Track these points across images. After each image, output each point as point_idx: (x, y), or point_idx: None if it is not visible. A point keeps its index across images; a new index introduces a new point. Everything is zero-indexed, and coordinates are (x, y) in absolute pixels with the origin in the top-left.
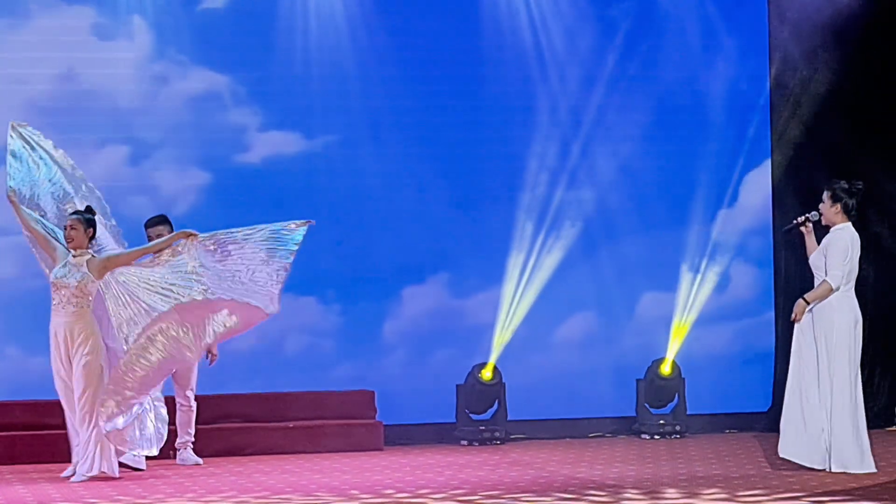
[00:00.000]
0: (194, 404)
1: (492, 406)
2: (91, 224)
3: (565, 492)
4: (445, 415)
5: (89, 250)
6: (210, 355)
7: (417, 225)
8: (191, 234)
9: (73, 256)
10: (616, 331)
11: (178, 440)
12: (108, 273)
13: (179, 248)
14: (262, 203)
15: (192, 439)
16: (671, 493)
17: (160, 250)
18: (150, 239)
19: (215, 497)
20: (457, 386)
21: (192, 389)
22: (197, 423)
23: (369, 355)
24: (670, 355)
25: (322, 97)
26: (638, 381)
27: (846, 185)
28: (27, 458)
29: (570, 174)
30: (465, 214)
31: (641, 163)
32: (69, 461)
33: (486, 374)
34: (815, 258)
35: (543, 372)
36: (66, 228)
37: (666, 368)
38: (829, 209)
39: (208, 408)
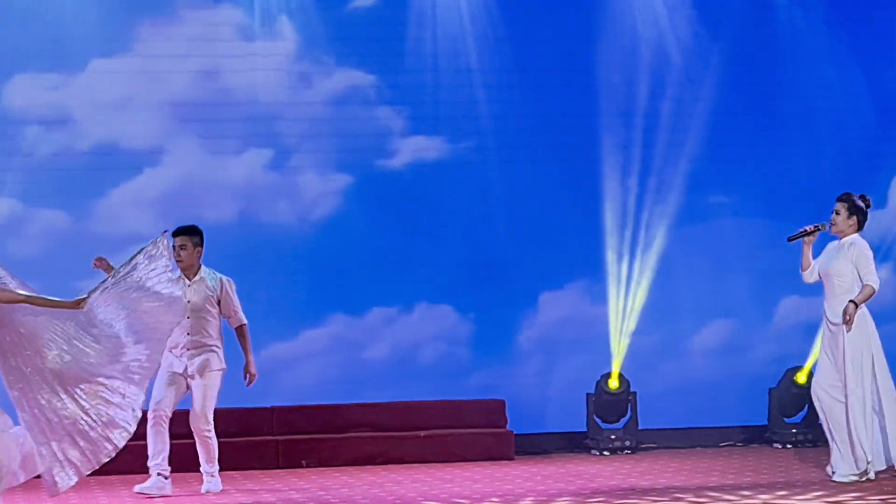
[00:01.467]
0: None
1: (623, 415)
2: None
3: (699, 498)
4: (576, 424)
5: None
6: (249, 375)
7: (555, 231)
8: (81, 302)
9: None
10: (751, 338)
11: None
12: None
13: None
14: (403, 208)
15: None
16: (802, 499)
17: (47, 306)
18: (174, 249)
19: None
20: (587, 395)
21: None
22: (332, 431)
23: (502, 363)
24: (809, 363)
25: (462, 102)
26: (770, 390)
27: (862, 199)
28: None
29: (702, 178)
30: (597, 220)
31: (781, 165)
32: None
33: (613, 383)
34: (840, 265)
35: (675, 380)
36: None
37: (801, 377)
38: (844, 220)
39: (342, 417)
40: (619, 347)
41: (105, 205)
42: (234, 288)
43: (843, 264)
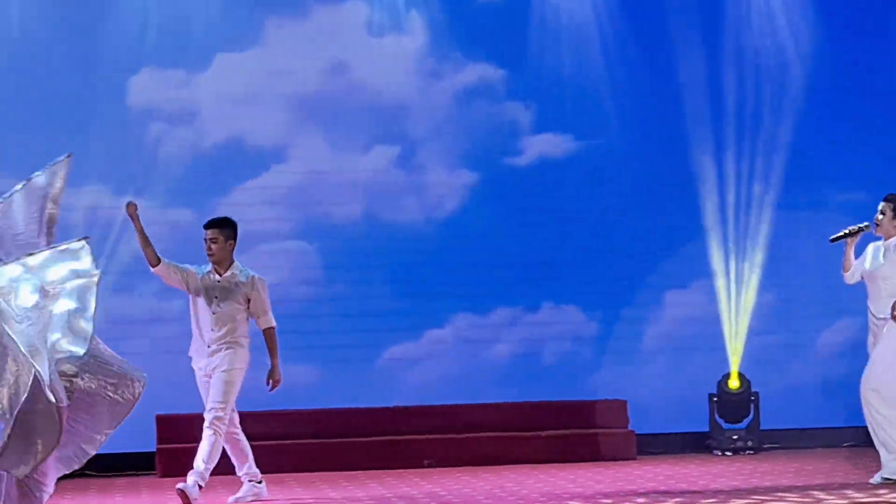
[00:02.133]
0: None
1: (746, 415)
2: None
3: (827, 494)
4: (699, 424)
5: None
6: (272, 381)
7: (682, 230)
8: None
9: None
10: None
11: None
12: None
13: None
14: (529, 206)
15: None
16: None
17: None
18: (205, 242)
19: None
20: (709, 395)
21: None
22: (454, 431)
23: (626, 363)
24: None
25: (589, 99)
26: None
27: None
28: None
29: (838, 174)
30: (724, 220)
31: None
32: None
33: (733, 383)
34: (888, 268)
35: (800, 380)
36: None
37: None
38: (889, 221)
39: (463, 417)
40: (735, 347)
41: (230, 202)
42: (265, 287)
43: (891, 267)
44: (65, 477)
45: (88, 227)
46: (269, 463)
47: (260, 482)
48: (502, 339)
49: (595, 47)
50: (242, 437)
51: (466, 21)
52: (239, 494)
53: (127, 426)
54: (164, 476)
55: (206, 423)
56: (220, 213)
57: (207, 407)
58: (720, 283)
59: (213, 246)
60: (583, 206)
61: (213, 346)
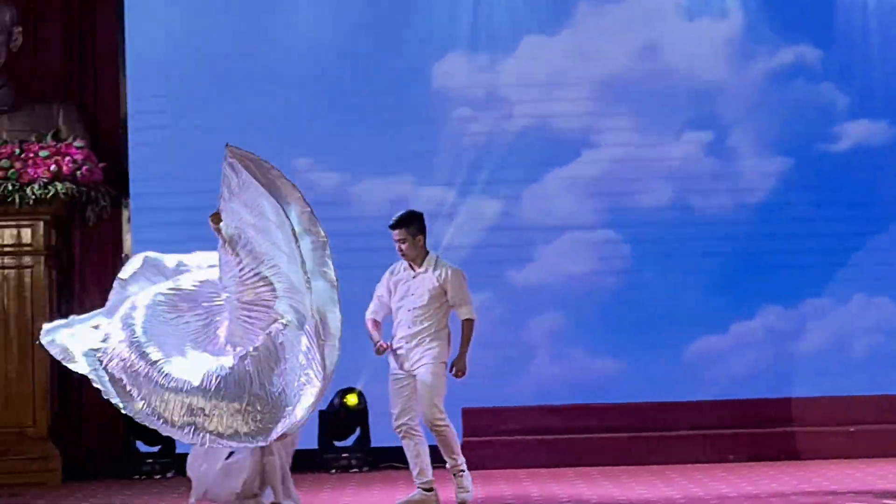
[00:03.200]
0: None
1: None
2: None
3: None
4: None
5: None
6: (457, 370)
7: None
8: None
9: None
10: None
11: None
12: None
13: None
14: (844, 194)
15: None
16: None
17: None
18: (396, 244)
19: (778, 500)
20: None
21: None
22: (759, 425)
23: None
24: None
25: None
26: None
27: None
28: (584, 460)
29: None
30: None
31: None
32: (629, 463)
33: None
34: None
35: None
36: None
37: None
38: None
39: (769, 411)
40: None
41: (536, 190)
42: (463, 279)
43: None
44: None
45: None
46: (583, 457)
47: (428, 491)
48: (810, 332)
49: None
50: (417, 442)
51: (782, 1)
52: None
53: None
54: (469, 469)
55: (428, 425)
56: (526, 200)
57: (420, 408)
58: None
59: (402, 247)
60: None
61: (410, 344)
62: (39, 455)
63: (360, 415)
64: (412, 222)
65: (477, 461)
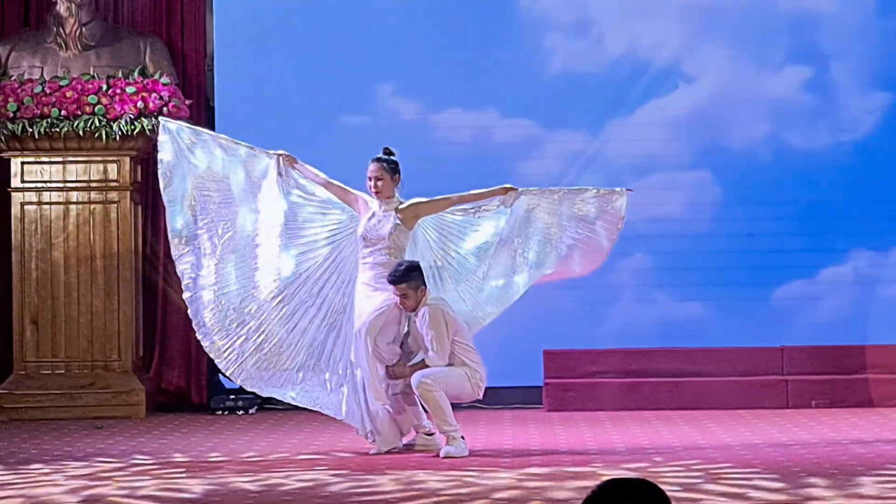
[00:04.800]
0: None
1: None
2: (396, 169)
3: None
4: None
5: (397, 196)
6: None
7: None
8: (510, 190)
9: (382, 207)
10: None
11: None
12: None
13: (490, 207)
14: None
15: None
16: None
17: (477, 200)
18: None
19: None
20: None
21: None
22: (845, 372)
23: None
24: None
25: None
26: None
27: None
28: (665, 403)
29: None
30: None
31: None
32: (710, 407)
33: None
34: None
35: None
36: (370, 179)
37: None
38: None
39: (855, 358)
40: None
41: (626, 124)
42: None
43: None
44: (455, 407)
45: (477, 150)
46: (664, 401)
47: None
48: None
49: None
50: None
51: None
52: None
53: (515, 360)
54: (550, 410)
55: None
56: (615, 134)
57: None
58: None
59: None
60: None
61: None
62: (123, 389)
63: None
64: (392, 161)
65: (558, 403)
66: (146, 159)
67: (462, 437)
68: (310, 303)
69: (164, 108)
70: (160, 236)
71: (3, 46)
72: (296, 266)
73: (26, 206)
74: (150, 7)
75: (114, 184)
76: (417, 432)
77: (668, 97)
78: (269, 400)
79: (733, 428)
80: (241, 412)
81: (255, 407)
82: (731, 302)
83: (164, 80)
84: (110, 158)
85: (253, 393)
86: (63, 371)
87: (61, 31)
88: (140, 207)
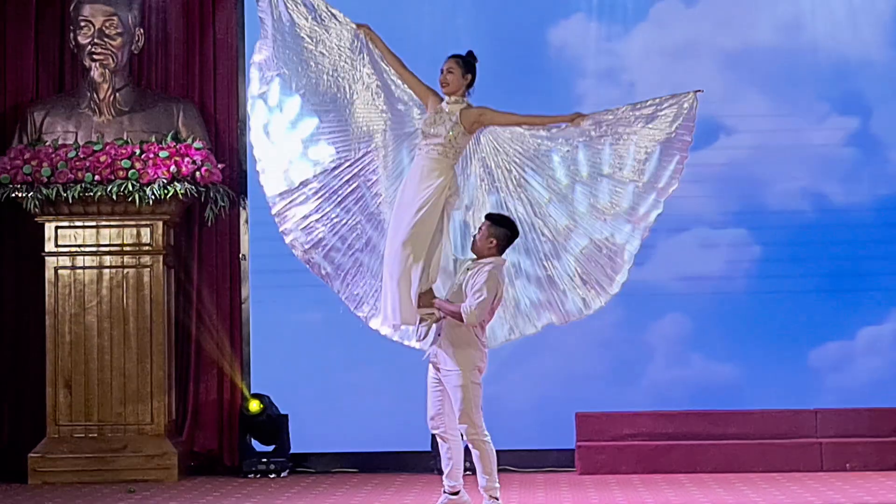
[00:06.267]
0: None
1: None
2: (470, 69)
3: None
4: None
5: (465, 99)
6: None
7: None
8: (578, 117)
9: (447, 104)
10: None
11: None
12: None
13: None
14: None
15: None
16: None
17: (545, 123)
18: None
19: None
20: None
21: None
22: (878, 434)
23: None
24: None
25: None
26: None
27: None
28: (699, 466)
29: None
30: None
31: None
32: (744, 471)
33: None
34: None
35: None
36: (442, 72)
37: None
38: None
39: (890, 420)
40: None
41: None
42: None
43: None
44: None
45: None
46: (698, 464)
47: (453, 494)
48: None
49: None
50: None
51: None
52: None
53: (547, 423)
54: (583, 473)
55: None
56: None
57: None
58: None
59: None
60: None
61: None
62: (156, 452)
63: (279, 421)
64: (469, 60)
65: (591, 466)
66: (179, 223)
67: (497, 499)
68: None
69: (197, 173)
70: (191, 299)
71: (37, 112)
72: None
73: (60, 271)
74: (183, 71)
75: (147, 248)
76: (443, 492)
77: (704, 150)
78: (301, 462)
79: (767, 491)
80: (273, 475)
81: (287, 470)
82: (766, 363)
83: (197, 144)
84: (143, 223)
85: (284, 455)
86: (96, 435)
87: (95, 96)
88: (173, 271)
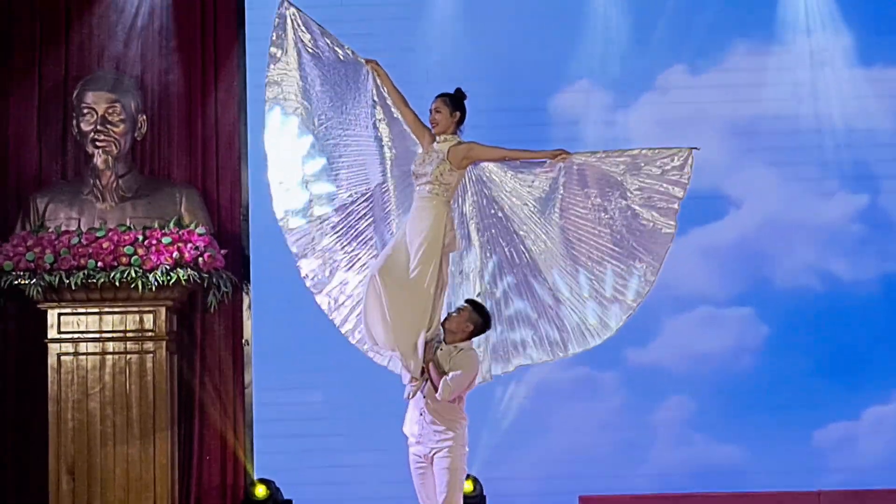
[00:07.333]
0: None
1: None
2: (458, 106)
3: None
4: None
5: (456, 136)
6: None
7: None
8: (561, 153)
9: (437, 142)
10: None
11: None
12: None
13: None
14: None
15: None
16: None
17: (527, 158)
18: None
19: None
20: None
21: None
22: None
23: None
24: None
25: None
26: None
27: None
28: None
29: None
30: None
31: None
32: None
33: None
34: None
35: None
36: (430, 112)
37: None
38: None
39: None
40: None
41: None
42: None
43: None
44: None
45: None
46: None
47: None
48: None
49: None
50: None
51: None
52: None
53: None
54: None
55: None
56: None
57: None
58: None
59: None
60: None
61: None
62: None
63: None
64: (457, 98)
65: None
66: (181, 309)
67: None
68: None
69: (200, 259)
70: (195, 385)
71: (40, 198)
72: None
73: (63, 357)
74: (186, 158)
75: (150, 334)
76: None
77: (710, 225)
78: None
79: None
80: None
81: None
82: (770, 443)
83: (200, 230)
84: (146, 309)
85: None
86: None
87: (98, 182)
88: (176, 357)
